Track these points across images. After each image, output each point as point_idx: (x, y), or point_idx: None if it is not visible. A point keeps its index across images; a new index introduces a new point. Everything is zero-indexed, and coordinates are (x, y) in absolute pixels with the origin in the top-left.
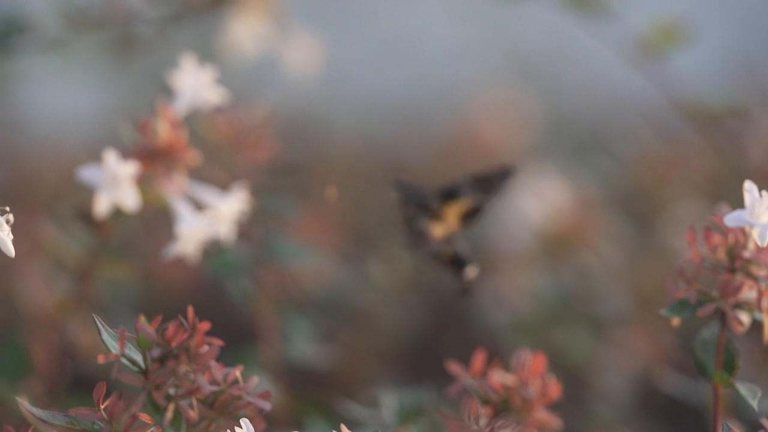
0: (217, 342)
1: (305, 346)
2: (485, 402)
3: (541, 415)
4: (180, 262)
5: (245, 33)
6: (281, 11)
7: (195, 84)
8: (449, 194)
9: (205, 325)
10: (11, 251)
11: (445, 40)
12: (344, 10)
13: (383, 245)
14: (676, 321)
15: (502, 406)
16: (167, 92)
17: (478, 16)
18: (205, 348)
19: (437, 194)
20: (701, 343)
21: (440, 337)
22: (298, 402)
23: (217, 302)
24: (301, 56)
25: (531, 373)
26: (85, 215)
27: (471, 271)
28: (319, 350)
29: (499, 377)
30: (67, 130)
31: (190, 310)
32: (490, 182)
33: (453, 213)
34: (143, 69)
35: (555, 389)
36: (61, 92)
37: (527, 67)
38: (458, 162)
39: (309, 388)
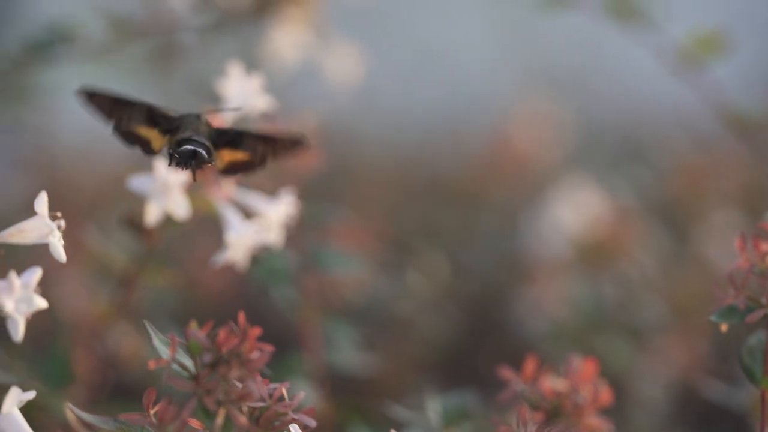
0: (268, 348)
1: (350, 354)
2: (536, 407)
3: (593, 421)
4: (216, 269)
5: (286, 42)
6: (322, 21)
7: (242, 91)
8: (229, 139)
9: (256, 331)
10: (63, 257)
11: (477, 51)
12: (376, 21)
13: (420, 254)
14: (724, 327)
15: (553, 412)
16: (209, 100)
17: (510, 27)
18: (256, 353)
19: (215, 132)
20: (748, 350)
21: (477, 344)
22: (340, 409)
23: (256, 309)
24: (341, 66)
25: (582, 379)
26: (132, 223)
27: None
28: (363, 358)
29: (549, 383)
30: (104, 139)
31: (241, 316)
32: (276, 145)
33: (225, 155)
34: (182, 77)
35: (606, 395)
36: None
37: (559, 77)
38: (493, 174)
39: (348, 395)
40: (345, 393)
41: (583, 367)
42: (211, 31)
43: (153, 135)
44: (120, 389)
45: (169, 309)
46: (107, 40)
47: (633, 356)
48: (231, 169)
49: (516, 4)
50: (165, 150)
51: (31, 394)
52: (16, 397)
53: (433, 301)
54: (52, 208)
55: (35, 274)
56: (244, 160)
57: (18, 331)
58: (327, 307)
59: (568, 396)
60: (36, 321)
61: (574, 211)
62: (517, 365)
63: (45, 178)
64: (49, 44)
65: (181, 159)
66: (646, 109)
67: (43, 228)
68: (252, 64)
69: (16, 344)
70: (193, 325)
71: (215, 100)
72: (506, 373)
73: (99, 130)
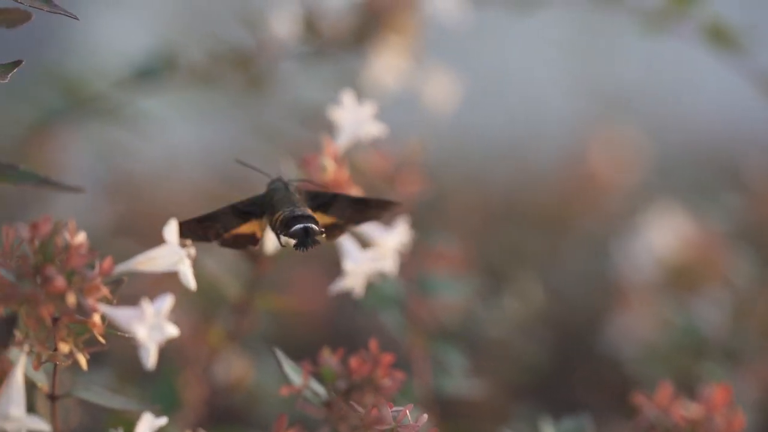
0: (399, 375)
1: (459, 379)
2: None
3: None
4: (308, 293)
5: (386, 68)
6: (419, 48)
7: (355, 119)
8: (320, 204)
9: (388, 358)
10: (193, 284)
11: (548, 75)
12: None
13: (514, 278)
14: None
15: None
16: (307, 126)
17: (582, 52)
18: (388, 380)
19: (307, 197)
20: None
21: (569, 368)
22: None
23: (348, 334)
24: (438, 92)
25: (715, 405)
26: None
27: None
28: (470, 383)
29: (682, 410)
30: (188, 164)
31: (373, 343)
32: (366, 209)
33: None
34: (280, 104)
35: (740, 421)
36: (186, 128)
37: (633, 102)
38: (573, 198)
39: (453, 419)
40: (446, 417)
41: (716, 393)
42: (311, 59)
43: (254, 227)
44: (222, 414)
45: (263, 334)
46: (208, 68)
47: (726, 379)
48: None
49: (586, 30)
50: (271, 230)
51: (163, 421)
52: (149, 424)
53: (526, 325)
54: (136, 230)
55: (167, 301)
56: (329, 224)
57: (150, 358)
58: (433, 332)
59: (702, 423)
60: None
61: (665, 235)
62: (610, 389)
63: (133, 202)
64: (155, 71)
65: (298, 241)
66: (724, 133)
67: (173, 256)
68: (350, 91)
69: (126, 369)
70: (326, 352)
71: (313, 126)
72: (640, 398)
73: (186, 153)
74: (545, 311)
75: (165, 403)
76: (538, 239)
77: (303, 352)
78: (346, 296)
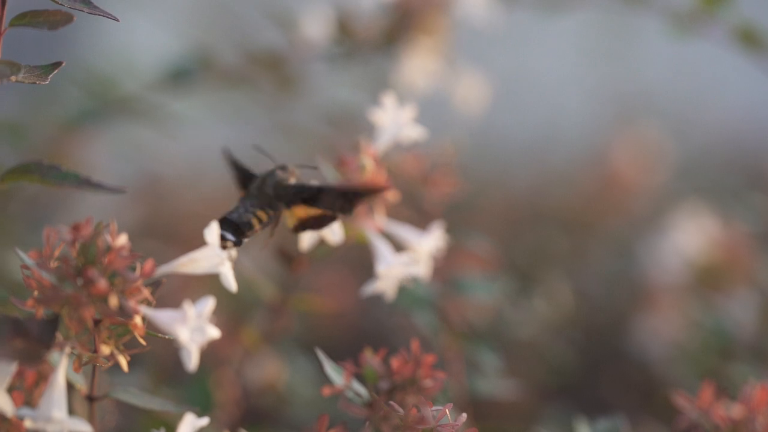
0: (440, 375)
1: (493, 380)
2: None
3: None
4: (335, 295)
5: (417, 69)
6: (450, 50)
7: (395, 121)
8: (306, 197)
9: (430, 358)
10: (234, 286)
11: (568, 78)
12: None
13: (544, 280)
14: None
15: None
16: (337, 126)
17: (604, 55)
18: (430, 381)
19: (291, 190)
20: None
21: (597, 369)
22: None
23: (376, 334)
24: (469, 94)
25: (758, 405)
26: (283, 252)
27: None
28: (504, 384)
29: (724, 410)
30: (216, 166)
31: (415, 344)
32: (356, 198)
33: (299, 212)
34: (310, 104)
35: None
36: (212, 129)
37: (657, 104)
38: (598, 200)
39: (478, 419)
40: (477, 417)
41: (758, 393)
42: (342, 60)
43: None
44: (252, 415)
45: (292, 335)
46: (240, 69)
47: (758, 379)
48: (304, 225)
49: (607, 31)
50: None
51: (204, 421)
52: (191, 424)
53: (555, 326)
54: (158, 232)
55: (208, 303)
56: (318, 215)
57: (192, 360)
58: (465, 333)
59: (745, 423)
60: (172, 346)
61: (692, 235)
62: (637, 390)
63: (159, 203)
64: (188, 72)
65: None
66: (748, 134)
67: (214, 258)
68: (381, 92)
69: (159, 370)
70: (368, 353)
71: (343, 128)
72: (681, 399)
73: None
74: (573, 312)
75: (198, 404)
76: (563, 240)
77: (331, 353)
78: (371, 298)
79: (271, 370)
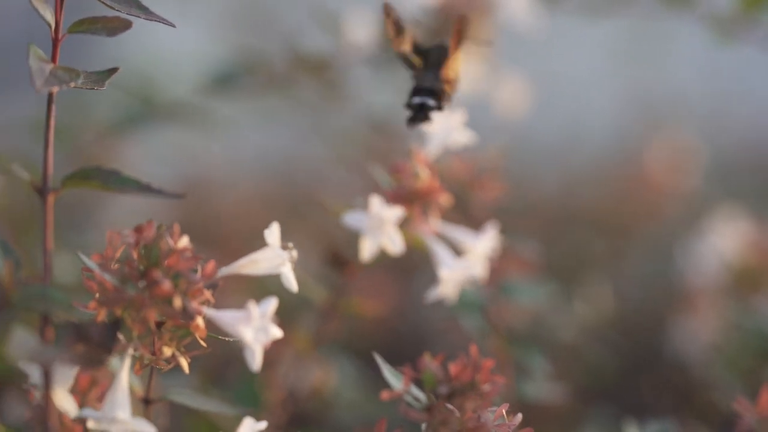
0: (500, 379)
1: (541, 382)
2: None
3: None
4: (376, 297)
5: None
6: (493, 54)
7: (446, 126)
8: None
9: (489, 363)
10: (295, 287)
11: (597, 81)
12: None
13: (581, 283)
14: None
15: None
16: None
17: (631, 56)
18: (489, 385)
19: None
20: None
21: (637, 372)
22: None
23: (414, 339)
24: (510, 98)
25: None
26: (336, 258)
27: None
28: (552, 387)
29: None
30: (256, 169)
31: (473, 348)
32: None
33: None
34: (354, 109)
35: None
36: (253, 132)
37: (687, 106)
38: (633, 203)
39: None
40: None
41: None
42: (385, 64)
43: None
44: (296, 419)
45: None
46: (285, 73)
47: None
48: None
49: (637, 34)
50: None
51: (262, 425)
52: (250, 427)
53: (594, 329)
54: (204, 236)
55: (272, 303)
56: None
57: (256, 360)
58: (512, 336)
59: None
60: (215, 347)
61: (729, 238)
62: (677, 392)
63: (200, 206)
64: (234, 76)
65: (413, 115)
66: None
67: (275, 258)
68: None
69: (206, 371)
70: (427, 357)
71: (385, 131)
72: (742, 404)
73: (250, 159)
74: (615, 316)
75: (246, 405)
76: (599, 243)
77: (372, 356)
78: (408, 301)
79: (319, 373)
